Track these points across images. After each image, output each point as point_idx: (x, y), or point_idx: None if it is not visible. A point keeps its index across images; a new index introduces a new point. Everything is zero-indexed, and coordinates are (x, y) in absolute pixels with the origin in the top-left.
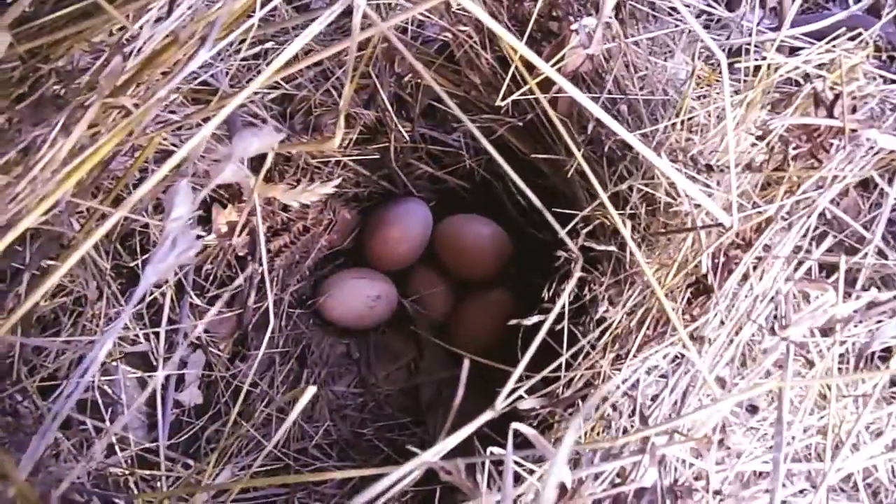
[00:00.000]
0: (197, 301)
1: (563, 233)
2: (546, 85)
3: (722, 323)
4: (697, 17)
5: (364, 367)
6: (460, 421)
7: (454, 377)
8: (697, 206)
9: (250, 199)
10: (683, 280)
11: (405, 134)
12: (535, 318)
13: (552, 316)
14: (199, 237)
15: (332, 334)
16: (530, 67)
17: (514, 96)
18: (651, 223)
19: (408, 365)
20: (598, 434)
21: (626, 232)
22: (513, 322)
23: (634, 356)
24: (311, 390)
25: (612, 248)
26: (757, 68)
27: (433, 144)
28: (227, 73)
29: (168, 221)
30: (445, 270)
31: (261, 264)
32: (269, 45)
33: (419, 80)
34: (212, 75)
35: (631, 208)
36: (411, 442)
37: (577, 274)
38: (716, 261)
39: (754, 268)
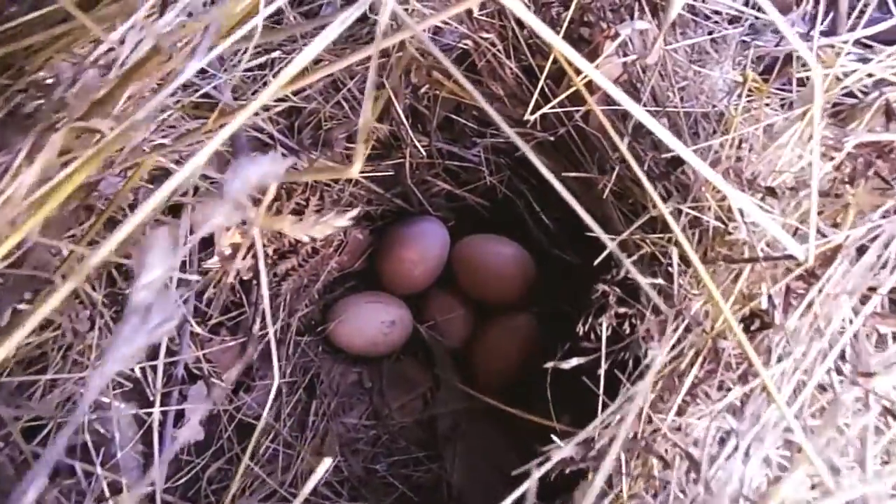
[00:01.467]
0: (198, 329)
1: (628, 263)
2: (578, 97)
3: (780, 364)
4: (736, 21)
5: (377, 397)
6: (479, 457)
7: (473, 408)
8: (754, 232)
9: (250, 230)
10: (737, 315)
11: (421, 149)
12: (573, 361)
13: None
14: (200, 261)
15: (342, 362)
16: (558, 79)
17: (545, 109)
18: (697, 251)
19: (423, 395)
20: (645, 493)
21: (693, 257)
22: (549, 364)
23: (685, 401)
24: (327, 463)
25: (660, 280)
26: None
27: (451, 160)
28: (230, 83)
29: (137, 286)
30: (464, 294)
31: (261, 285)
32: (275, 54)
33: (436, 92)
34: (214, 87)
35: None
36: (426, 478)
37: (618, 309)
38: (773, 293)
39: (810, 303)
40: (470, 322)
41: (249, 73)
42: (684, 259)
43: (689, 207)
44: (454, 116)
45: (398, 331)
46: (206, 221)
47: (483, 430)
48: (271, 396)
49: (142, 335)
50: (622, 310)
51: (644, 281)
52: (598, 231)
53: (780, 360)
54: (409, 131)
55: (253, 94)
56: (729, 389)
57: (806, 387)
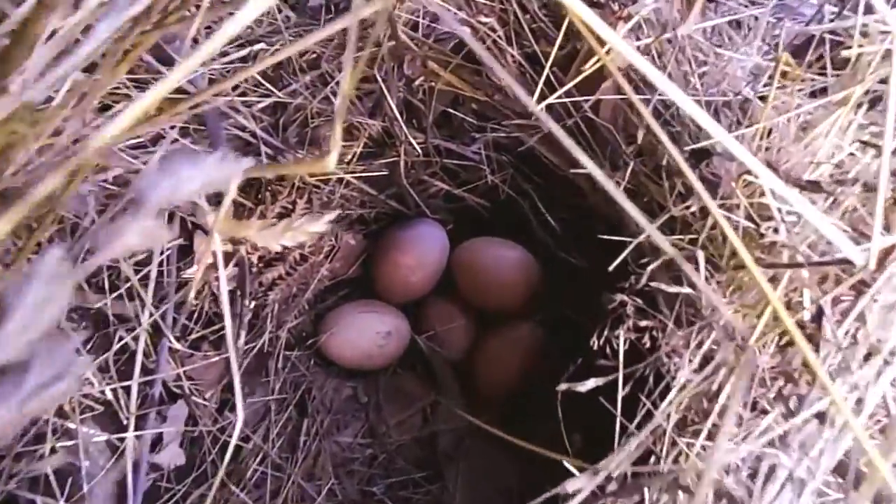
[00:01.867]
0: (177, 345)
1: (685, 267)
2: (587, 86)
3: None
4: (757, 3)
5: (373, 414)
6: (482, 477)
7: (476, 424)
8: (797, 233)
9: (208, 245)
10: (773, 329)
11: (417, 146)
12: (591, 382)
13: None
14: (179, 270)
15: (336, 376)
16: (564, 66)
17: (551, 99)
18: (723, 254)
19: (423, 410)
20: None
21: (749, 261)
22: (563, 387)
23: (715, 425)
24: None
25: (686, 289)
26: (846, 61)
27: (449, 158)
28: (205, 76)
29: (5, 334)
30: (465, 302)
31: (247, 299)
32: (259, 46)
33: (432, 84)
34: (190, 81)
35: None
36: (426, 501)
37: (637, 321)
38: (823, 302)
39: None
40: (471, 332)
41: (230, 65)
42: (711, 263)
43: (720, 204)
44: (452, 111)
45: (395, 342)
46: (113, 242)
47: (487, 449)
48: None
49: (14, 403)
50: (643, 323)
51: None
52: (644, 226)
53: (831, 376)
54: (404, 127)
55: (235, 90)
56: (765, 411)
57: (864, 406)
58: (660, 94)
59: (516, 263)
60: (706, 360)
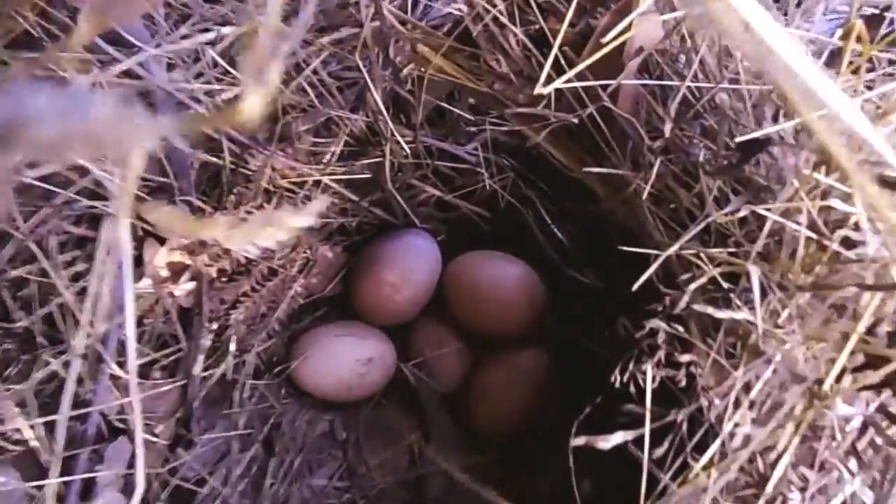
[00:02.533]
0: (118, 371)
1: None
2: (604, 69)
3: None
4: None
5: (352, 453)
6: None
7: (471, 466)
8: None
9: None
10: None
11: (405, 145)
12: (617, 437)
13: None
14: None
15: (310, 409)
16: (577, 47)
17: (559, 83)
18: (774, 272)
19: (409, 450)
20: None
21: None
22: (579, 441)
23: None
24: None
25: (741, 314)
26: None
27: (442, 160)
28: (163, 60)
29: None
30: (459, 325)
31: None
32: (226, 30)
33: (421, 73)
34: (140, 64)
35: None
36: None
37: (669, 352)
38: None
39: None
40: (466, 359)
41: (190, 49)
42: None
43: (778, 209)
44: (445, 105)
45: (377, 370)
46: None
47: (482, 495)
48: None
49: None
50: (684, 357)
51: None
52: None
53: None
54: (390, 123)
55: (197, 77)
56: (839, 475)
57: None
58: (692, 81)
59: (518, 281)
60: (759, 405)
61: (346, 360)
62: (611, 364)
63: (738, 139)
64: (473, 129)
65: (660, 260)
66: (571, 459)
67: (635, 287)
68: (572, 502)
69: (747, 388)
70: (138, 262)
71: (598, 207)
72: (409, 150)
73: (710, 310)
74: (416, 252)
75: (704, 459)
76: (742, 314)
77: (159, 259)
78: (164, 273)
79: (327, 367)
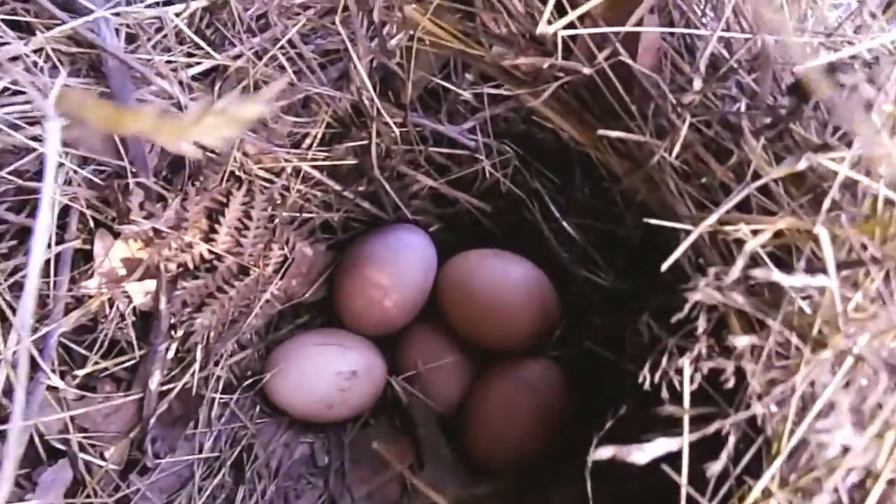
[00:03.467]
0: (59, 382)
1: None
2: (619, 17)
3: None
4: None
5: (335, 481)
6: None
7: (470, 498)
8: None
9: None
10: None
11: (394, 126)
12: (657, 446)
13: None
14: (73, 282)
15: (287, 429)
16: None
17: (565, 21)
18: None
19: (400, 478)
20: None
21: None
22: (605, 454)
23: None
24: None
25: (823, 280)
26: None
27: (437, 145)
28: (119, 26)
29: None
30: (456, 333)
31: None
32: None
33: (410, 42)
34: (92, 30)
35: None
36: None
37: (709, 354)
38: None
39: None
40: (464, 373)
41: (152, 18)
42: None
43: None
44: (439, 81)
45: (363, 385)
46: None
47: None
48: None
49: None
50: (740, 340)
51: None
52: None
53: None
54: (376, 100)
55: (154, 46)
56: None
57: None
58: (724, 29)
59: (523, 283)
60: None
61: (326, 373)
62: (633, 374)
63: (794, 73)
64: (470, 109)
65: (696, 233)
66: (589, 485)
67: (665, 266)
68: None
69: (811, 395)
70: (88, 257)
71: (616, 186)
72: (398, 133)
73: (776, 275)
74: (408, 250)
75: (765, 479)
76: (821, 280)
77: (113, 254)
78: (120, 270)
79: (305, 382)
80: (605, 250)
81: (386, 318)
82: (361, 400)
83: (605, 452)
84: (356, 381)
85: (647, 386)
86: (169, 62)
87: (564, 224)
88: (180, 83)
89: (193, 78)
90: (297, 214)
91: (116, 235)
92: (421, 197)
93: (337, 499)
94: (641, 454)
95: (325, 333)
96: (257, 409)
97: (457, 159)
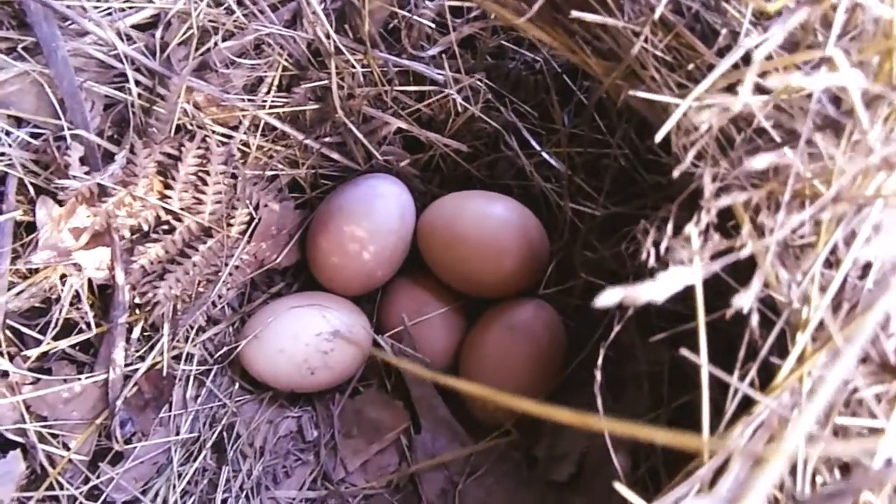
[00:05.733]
0: (7, 365)
1: None
2: None
3: None
4: None
5: (327, 455)
6: None
7: (475, 453)
8: None
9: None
10: None
11: (355, 63)
12: (670, 279)
13: None
14: (16, 256)
15: (270, 404)
16: None
17: None
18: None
19: (396, 444)
20: None
21: None
22: (611, 297)
23: None
24: None
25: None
26: None
27: (404, 83)
28: None
29: None
30: (441, 283)
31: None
32: None
33: None
34: None
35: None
36: None
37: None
38: None
39: None
40: (454, 324)
41: None
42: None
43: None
44: (400, 10)
45: (346, 347)
46: None
47: (492, 491)
48: None
49: None
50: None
51: None
52: None
53: None
54: (334, 36)
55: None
56: None
57: None
58: None
59: (506, 221)
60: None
61: (305, 335)
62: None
63: None
64: (435, 41)
65: (689, 99)
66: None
67: (658, 138)
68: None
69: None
70: (30, 229)
71: (595, 96)
72: (360, 71)
73: (796, 78)
74: (383, 198)
75: (799, 348)
76: (838, 78)
77: (59, 221)
78: (68, 240)
79: (283, 347)
80: (591, 177)
81: (365, 272)
82: (346, 363)
83: (613, 296)
84: (338, 342)
85: (651, 262)
86: (97, 8)
87: (545, 155)
88: (121, 35)
89: (136, 27)
90: (261, 173)
91: (61, 203)
92: (391, 142)
93: (330, 473)
94: (656, 289)
95: (301, 296)
96: (236, 386)
97: (426, 95)
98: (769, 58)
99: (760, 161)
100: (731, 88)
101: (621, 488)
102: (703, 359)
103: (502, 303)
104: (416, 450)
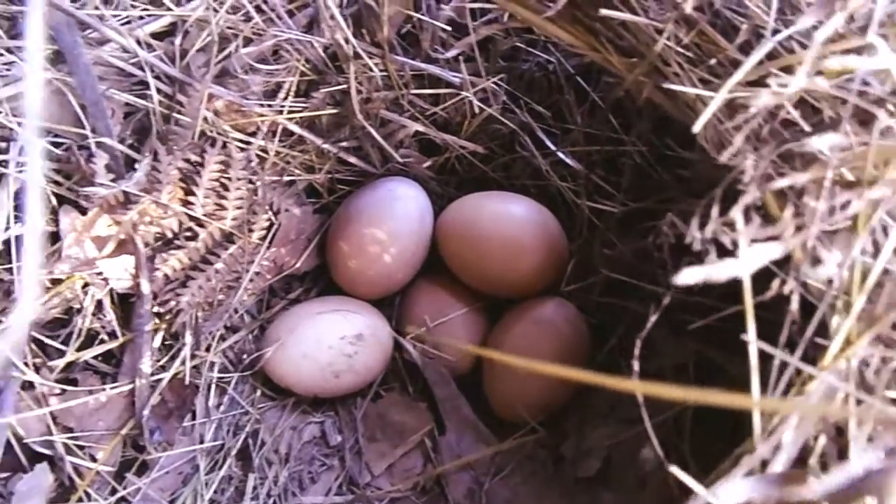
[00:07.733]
0: (35, 377)
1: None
2: None
3: None
4: None
5: (352, 459)
6: None
7: (500, 453)
8: None
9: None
10: None
11: (373, 67)
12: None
13: None
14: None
15: (294, 410)
16: None
17: None
18: None
19: (421, 446)
20: None
21: None
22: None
23: None
24: None
25: None
26: None
27: (421, 86)
28: None
29: None
30: (462, 283)
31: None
32: None
33: None
34: None
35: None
36: None
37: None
38: None
39: None
40: (476, 324)
41: None
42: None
43: None
44: (414, 14)
45: (370, 350)
46: None
47: (519, 486)
48: None
49: None
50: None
51: None
52: None
53: None
54: (351, 38)
55: (107, 3)
56: None
57: None
58: None
59: (526, 220)
60: None
61: (328, 341)
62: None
63: None
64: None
65: (722, 91)
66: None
67: (696, 128)
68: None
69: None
70: (54, 239)
71: (620, 83)
72: (378, 74)
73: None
74: (403, 201)
75: (846, 326)
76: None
77: (83, 231)
78: (91, 250)
79: (307, 352)
80: (608, 175)
81: (386, 274)
82: (369, 365)
83: (695, 274)
84: (362, 344)
85: (697, 245)
86: (116, 16)
87: (561, 155)
88: (140, 42)
89: (155, 35)
90: (279, 178)
91: (84, 212)
92: (408, 145)
93: (356, 477)
94: (738, 266)
95: (322, 301)
96: (258, 393)
97: (443, 103)
98: (798, 49)
99: (822, 141)
100: (756, 83)
101: (676, 471)
102: (751, 336)
103: (523, 302)
104: (441, 451)
